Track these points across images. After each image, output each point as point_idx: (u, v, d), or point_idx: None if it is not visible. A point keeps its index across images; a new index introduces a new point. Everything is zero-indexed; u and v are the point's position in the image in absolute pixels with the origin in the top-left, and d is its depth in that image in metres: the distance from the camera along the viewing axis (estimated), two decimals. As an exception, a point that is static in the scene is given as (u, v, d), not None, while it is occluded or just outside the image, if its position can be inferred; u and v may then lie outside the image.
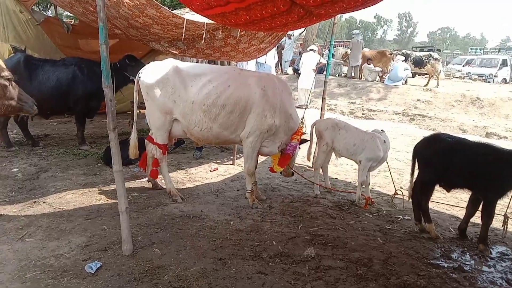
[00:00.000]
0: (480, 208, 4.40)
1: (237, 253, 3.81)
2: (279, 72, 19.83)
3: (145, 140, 5.27)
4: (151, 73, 4.83)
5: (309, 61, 13.67)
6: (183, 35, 5.51)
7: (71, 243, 3.79)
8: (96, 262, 3.42)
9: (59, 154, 6.72)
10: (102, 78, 3.51)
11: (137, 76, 4.94)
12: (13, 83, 4.08)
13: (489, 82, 22.61)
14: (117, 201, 3.67)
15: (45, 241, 3.78)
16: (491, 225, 4.34)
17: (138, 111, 5.26)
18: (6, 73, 3.95)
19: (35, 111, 4.19)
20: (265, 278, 3.39)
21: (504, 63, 24.90)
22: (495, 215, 4.31)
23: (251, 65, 10.60)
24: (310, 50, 14.26)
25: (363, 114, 13.54)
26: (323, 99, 6.99)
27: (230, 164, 7.08)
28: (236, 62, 8.36)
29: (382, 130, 5.59)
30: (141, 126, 8.12)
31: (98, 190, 5.24)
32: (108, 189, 5.29)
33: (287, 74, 19.87)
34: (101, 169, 6.13)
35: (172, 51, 7.05)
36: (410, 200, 4.80)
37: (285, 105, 4.87)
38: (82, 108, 7.04)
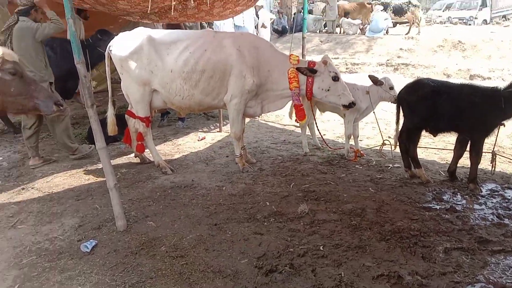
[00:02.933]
0: (468, 149, 4.45)
1: (232, 217, 3.82)
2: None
3: (125, 115, 5.17)
4: (123, 44, 4.67)
5: (262, 19, 13.54)
6: (149, 8, 5.28)
7: (64, 225, 3.76)
8: (91, 240, 3.41)
9: (42, 138, 6.58)
10: (74, 54, 3.38)
11: (107, 49, 4.78)
12: (25, 77, 3.42)
13: (470, 24, 22.42)
14: (105, 179, 3.62)
15: (37, 226, 3.74)
16: (479, 164, 4.39)
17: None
18: (9, 66, 3.29)
19: (55, 112, 3.45)
20: (261, 238, 3.41)
21: (484, 3, 24.63)
22: (483, 153, 4.36)
23: (228, 28, 10.35)
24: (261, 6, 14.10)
25: (346, 68, 13.43)
26: (303, 55, 6.87)
27: (217, 132, 7.03)
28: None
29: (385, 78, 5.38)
30: (123, 102, 7.97)
31: (86, 170, 5.18)
32: (95, 168, 5.23)
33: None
34: (87, 149, 6.03)
35: (145, 21, 6.81)
36: (398, 148, 4.83)
37: (263, 62, 4.73)
38: (59, 89, 6.84)
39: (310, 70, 4.63)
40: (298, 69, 4.64)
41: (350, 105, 4.70)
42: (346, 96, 4.69)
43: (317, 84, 4.68)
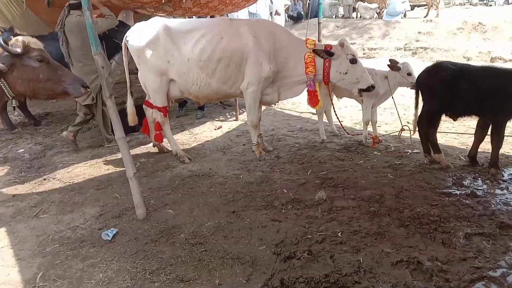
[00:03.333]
0: (489, 133, 4.35)
1: (250, 204, 3.84)
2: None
3: (143, 106, 5.21)
4: (139, 35, 4.69)
5: (276, 5, 13.35)
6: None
7: (85, 214, 3.83)
8: (112, 229, 3.47)
9: (63, 130, 6.66)
10: (91, 46, 3.41)
11: (124, 39, 4.80)
12: (51, 63, 3.57)
13: (490, 5, 21.78)
14: (124, 168, 3.67)
15: (59, 215, 3.83)
16: (501, 149, 4.30)
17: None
18: (35, 53, 3.43)
19: (83, 94, 3.67)
20: (279, 225, 3.42)
21: (505, -17, 23.88)
22: (505, 138, 4.27)
23: (242, 15, 10.28)
24: None
25: (364, 54, 13.22)
26: (319, 41, 6.78)
27: (234, 120, 7.04)
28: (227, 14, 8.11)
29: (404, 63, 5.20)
30: (141, 93, 8.04)
31: (106, 160, 5.26)
32: (115, 158, 5.30)
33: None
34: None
35: (159, 14, 6.83)
36: (417, 133, 4.76)
37: (279, 48, 4.68)
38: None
39: (327, 53, 4.55)
40: (314, 51, 4.56)
41: (369, 89, 4.60)
42: (365, 79, 4.60)
43: (334, 67, 4.61)
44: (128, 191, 3.87)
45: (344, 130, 5.71)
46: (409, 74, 4.93)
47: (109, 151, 5.61)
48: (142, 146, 5.77)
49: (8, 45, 3.39)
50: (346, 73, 4.59)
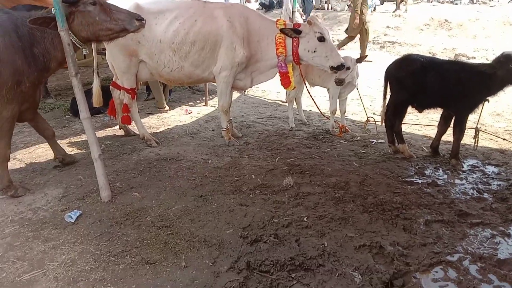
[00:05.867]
0: (451, 125, 4.51)
1: (217, 189, 3.83)
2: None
3: (110, 87, 5.08)
4: (108, 13, 4.53)
5: None
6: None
7: (47, 195, 3.72)
8: (76, 211, 3.39)
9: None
10: (57, 21, 3.28)
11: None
12: (104, 4, 3.61)
13: (456, 4, 22.46)
14: (89, 150, 3.58)
15: (20, 197, 3.69)
16: (462, 140, 4.47)
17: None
18: None
19: (138, 27, 3.68)
20: (247, 209, 3.44)
21: (471, -17, 24.64)
22: (466, 130, 4.44)
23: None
24: None
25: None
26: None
27: (203, 106, 6.98)
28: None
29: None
30: (107, 74, 7.83)
31: (69, 141, 5.11)
32: (79, 139, 5.16)
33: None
34: (70, 120, 5.95)
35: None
36: (384, 124, 4.87)
37: (252, 33, 4.65)
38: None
39: (294, 31, 4.52)
40: (282, 30, 4.52)
41: (339, 67, 4.56)
42: (334, 57, 4.55)
43: (302, 45, 4.56)
44: (92, 173, 3.78)
45: (322, 113, 5.79)
46: (348, 68, 4.82)
47: (73, 132, 5.45)
48: (108, 129, 5.64)
49: None
50: (314, 51, 4.54)
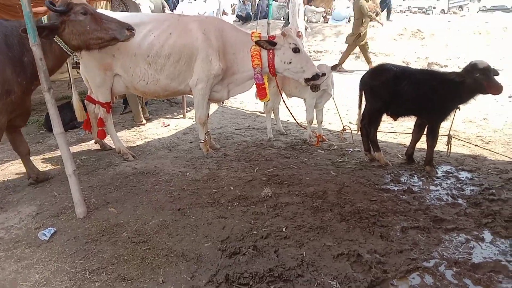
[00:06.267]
0: (425, 133, 4.61)
1: (196, 202, 3.81)
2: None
3: (85, 101, 5.02)
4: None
5: (223, 5, 13.47)
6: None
7: (21, 213, 3.63)
8: (50, 228, 3.31)
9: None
10: (28, 36, 3.24)
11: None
12: (95, 14, 3.68)
13: (428, 14, 23.12)
14: (64, 165, 3.51)
15: (-6, 213, 3.60)
16: (435, 147, 4.57)
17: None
18: (78, 8, 3.57)
19: (128, 36, 3.79)
20: (225, 221, 3.43)
21: (441, -7, 25.42)
22: (439, 137, 4.55)
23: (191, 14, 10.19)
24: None
25: (310, 56, 13.50)
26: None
27: (181, 118, 6.96)
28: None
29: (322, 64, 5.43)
30: (82, 88, 7.72)
31: (43, 157, 5.01)
32: (54, 155, 5.07)
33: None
34: (44, 136, 5.85)
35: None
36: (359, 132, 4.94)
37: (228, 45, 4.68)
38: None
39: (269, 43, 4.56)
40: (257, 42, 4.56)
41: (314, 77, 4.62)
42: (309, 68, 4.62)
43: (278, 57, 4.61)
44: (67, 189, 3.71)
45: (298, 124, 5.83)
46: (323, 74, 4.90)
47: (47, 147, 5.35)
48: (83, 143, 5.55)
49: (55, 6, 3.53)
50: (290, 62, 4.59)
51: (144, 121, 6.57)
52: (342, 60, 11.02)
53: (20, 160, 4.43)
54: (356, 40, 10.79)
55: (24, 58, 3.56)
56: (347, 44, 11.18)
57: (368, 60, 10.99)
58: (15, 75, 3.51)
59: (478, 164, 4.77)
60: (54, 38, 3.61)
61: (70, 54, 3.81)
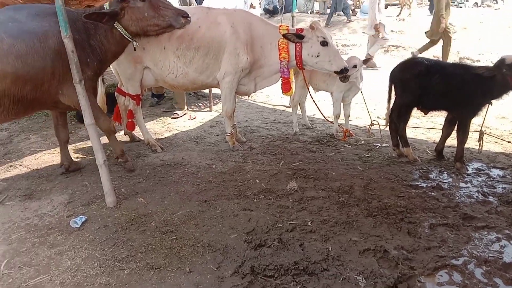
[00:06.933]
0: (455, 128, 4.51)
1: (222, 194, 3.84)
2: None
3: (115, 93, 5.12)
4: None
5: None
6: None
7: (53, 201, 3.75)
8: (81, 216, 3.41)
9: (30, 116, 6.51)
10: (60, 28, 3.33)
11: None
12: (153, 1, 3.77)
13: (461, 7, 22.43)
14: (94, 156, 3.61)
15: (26, 203, 3.73)
16: (466, 144, 4.46)
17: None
18: None
19: (184, 23, 3.87)
20: (251, 214, 3.45)
21: (475, -14, 24.60)
22: (470, 133, 4.43)
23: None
24: None
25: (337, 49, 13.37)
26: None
27: (208, 111, 7.02)
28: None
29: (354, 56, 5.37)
30: (112, 81, 7.88)
31: (75, 148, 5.15)
32: (85, 146, 5.21)
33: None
34: (75, 127, 6.01)
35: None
36: (388, 127, 4.87)
37: (256, 38, 4.68)
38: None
39: (296, 36, 4.54)
40: (284, 35, 4.54)
41: (343, 71, 4.59)
42: (337, 61, 4.58)
43: (306, 50, 4.59)
44: (97, 179, 3.81)
45: (325, 118, 5.80)
46: (354, 66, 4.92)
47: (79, 138, 5.50)
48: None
49: None
50: (318, 56, 4.56)
51: (186, 108, 6.74)
52: (445, 58, 10.26)
53: (53, 150, 4.57)
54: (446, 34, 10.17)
55: (91, 42, 3.73)
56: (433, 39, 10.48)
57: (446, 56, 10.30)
58: (85, 57, 3.63)
59: (510, 162, 4.63)
60: (115, 24, 3.73)
61: (129, 40, 3.90)
